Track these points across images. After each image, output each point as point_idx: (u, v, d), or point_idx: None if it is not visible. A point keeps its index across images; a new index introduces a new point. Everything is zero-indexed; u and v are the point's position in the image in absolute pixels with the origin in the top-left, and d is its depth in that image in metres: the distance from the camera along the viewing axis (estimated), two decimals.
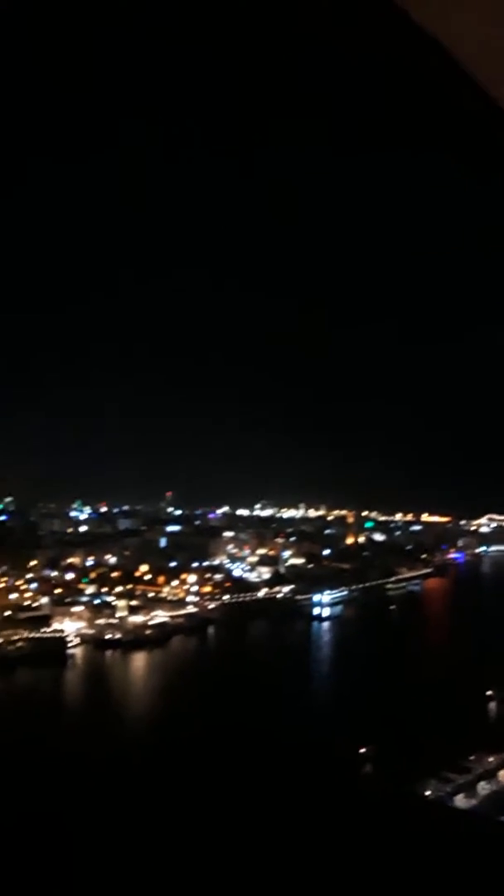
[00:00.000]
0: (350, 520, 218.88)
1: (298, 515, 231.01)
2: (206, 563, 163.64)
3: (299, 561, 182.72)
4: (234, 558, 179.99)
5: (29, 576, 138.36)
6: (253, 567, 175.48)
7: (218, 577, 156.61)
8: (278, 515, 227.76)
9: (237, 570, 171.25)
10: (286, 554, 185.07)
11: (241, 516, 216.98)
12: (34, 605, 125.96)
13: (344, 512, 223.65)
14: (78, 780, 62.43)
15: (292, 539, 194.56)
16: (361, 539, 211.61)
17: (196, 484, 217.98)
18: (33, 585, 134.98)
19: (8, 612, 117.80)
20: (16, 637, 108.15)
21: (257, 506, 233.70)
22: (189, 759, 67.88)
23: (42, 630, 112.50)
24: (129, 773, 64.69)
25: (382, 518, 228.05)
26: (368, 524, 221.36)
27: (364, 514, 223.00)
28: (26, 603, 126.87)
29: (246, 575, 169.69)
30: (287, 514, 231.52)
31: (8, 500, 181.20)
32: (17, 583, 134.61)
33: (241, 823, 55.19)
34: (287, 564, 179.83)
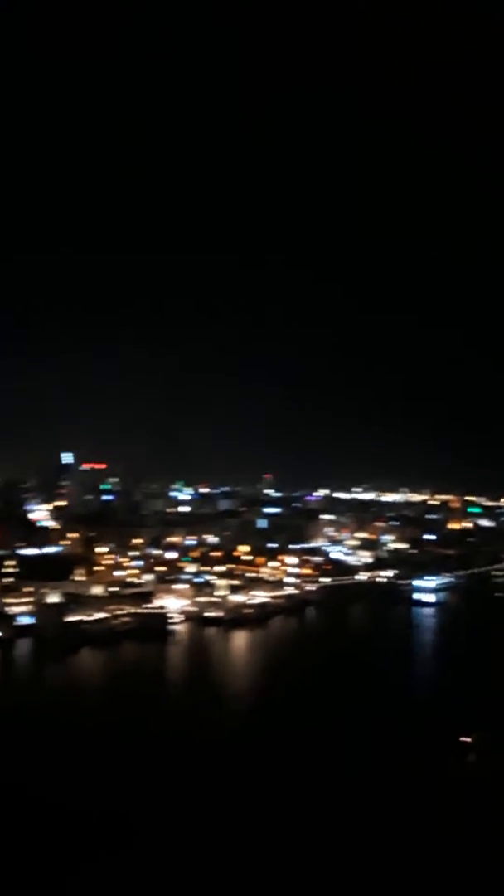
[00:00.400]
0: (454, 505, 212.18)
1: (400, 499, 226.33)
2: (304, 545, 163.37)
3: (401, 545, 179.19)
4: (333, 541, 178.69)
5: (133, 553, 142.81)
6: (352, 550, 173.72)
7: (317, 559, 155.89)
8: (379, 499, 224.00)
9: (336, 553, 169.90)
10: (387, 538, 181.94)
11: (341, 499, 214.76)
12: (138, 581, 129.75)
13: (448, 497, 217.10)
14: (183, 754, 63.69)
15: (393, 523, 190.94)
16: (467, 524, 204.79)
17: (295, 466, 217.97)
18: (137, 563, 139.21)
19: (114, 588, 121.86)
20: (121, 612, 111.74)
21: (357, 489, 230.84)
22: (288, 738, 67.80)
23: (146, 606, 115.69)
24: (231, 751, 65.29)
25: (488, 503, 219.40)
26: (474, 509, 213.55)
27: (469, 498, 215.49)
28: (131, 579, 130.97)
29: (345, 558, 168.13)
30: (388, 497, 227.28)
31: (113, 480, 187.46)
32: (122, 560, 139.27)
33: (336, 808, 54.58)
34: (388, 548, 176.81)
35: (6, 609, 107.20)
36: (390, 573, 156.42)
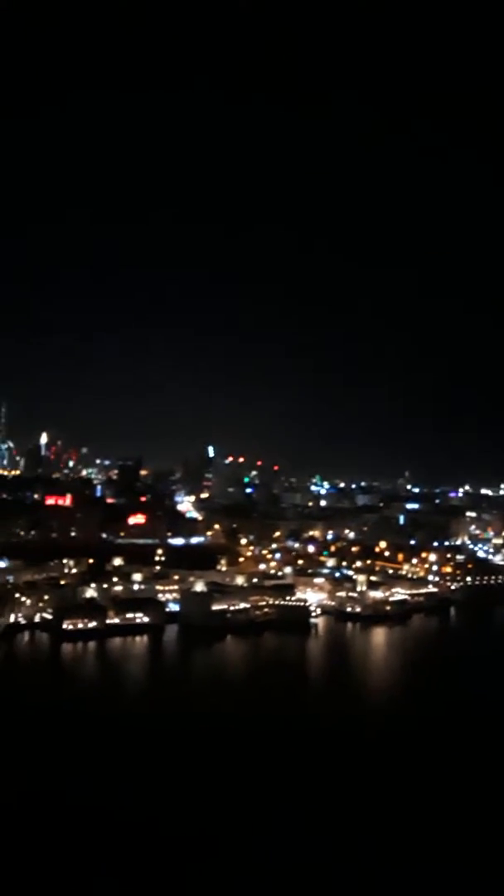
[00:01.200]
0: None
1: None
2: (446, 543, 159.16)
3: None
4: (476, 539, 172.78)
5: (273, 546, 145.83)
6: (498, 549, 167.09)
7: (459, 557, 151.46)
8: None
9: (480, 552, 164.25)
10: None
11: (485, 496, 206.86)
12: (279, 574, 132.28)
13: None
14: (323, 747, 64.89)
15: None
16: None
17: (437, 461, 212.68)
18: (277, 555, 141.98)
19: (255, 580, 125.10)
20: (262, 603, 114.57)
21: (503, 485, 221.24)
22: (428, 737, 67.19)
23: (286, 598, 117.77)
24: (371, 747, 65.75)
25: None
26: None
27: None
28: (271, 572, 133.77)
29: (490, 557, 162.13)
30: None
31: (253, 473, 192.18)
32: (263, 552, 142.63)
33: (479, 807, 53.66)
34: None
35: (157, 596, 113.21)
36: None
